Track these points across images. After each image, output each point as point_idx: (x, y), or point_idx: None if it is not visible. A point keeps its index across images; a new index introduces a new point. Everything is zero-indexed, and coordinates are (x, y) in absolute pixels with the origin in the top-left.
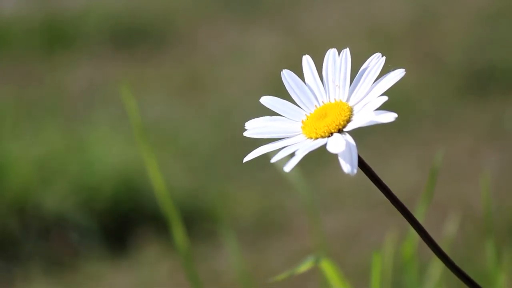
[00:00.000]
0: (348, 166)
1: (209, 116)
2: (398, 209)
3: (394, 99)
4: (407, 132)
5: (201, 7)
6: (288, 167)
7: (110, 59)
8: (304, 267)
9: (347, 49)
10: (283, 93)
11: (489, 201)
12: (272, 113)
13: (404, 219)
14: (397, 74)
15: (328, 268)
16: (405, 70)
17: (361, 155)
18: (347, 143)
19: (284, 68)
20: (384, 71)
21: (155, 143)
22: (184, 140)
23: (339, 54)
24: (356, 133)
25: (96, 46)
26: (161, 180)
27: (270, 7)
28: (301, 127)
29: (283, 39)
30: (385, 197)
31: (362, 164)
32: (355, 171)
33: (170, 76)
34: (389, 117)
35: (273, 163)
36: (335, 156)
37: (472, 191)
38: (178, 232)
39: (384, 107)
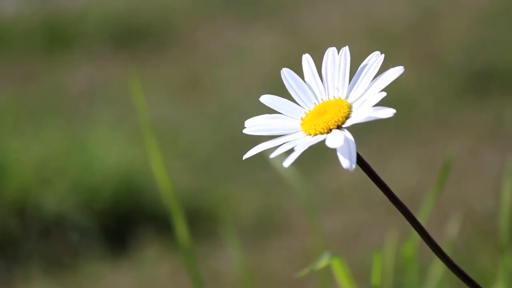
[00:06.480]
0: (346, 162)
1: (209, 116)
2: (398, 208)
3: (394, 99)
4: (407, 132)
5: (201, 7)
6: (287, 163)
7: (110, 59)
8: (322, 263)
9: (346, 47)
10: (283, 93)
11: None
12: (272, 111)
13: (405, 219)
14: (396, 71)
15: (338, 266)
16: (404, 68)
17: (361, 154)
18: (346, 139)
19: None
20: (383, 69)
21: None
22: (184, 140)
23: (338, 53)
24: (356, 133)
25: (96, 46)
26: (166, 176)
27: (270, 7)
28: (301, 124)
29: (283, 39)
30: (385, 197)
31: (361, 163)
32: (353, 166)
33: (170, 76)
34: (388, 112)
35: (274, 163)
36: (335, 156)
37: (472, 191)
38: (181, 227)
39: (384, 106)
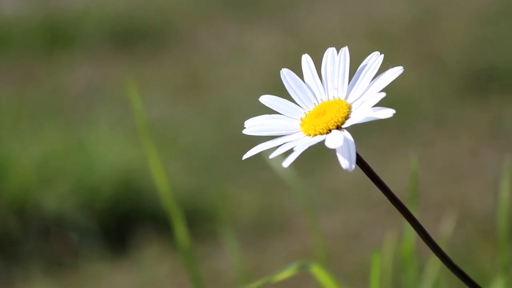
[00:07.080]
0: (346, 162)
1: (209, 116)
2: (397, 207)
3: (394, 99)
4: (407, 132)
5: (200, 7)
6: (286, 163)
7: (110, 59)
8: (284, 274)
9: (346, 47)
10: (282, 93)
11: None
12: (271, 111)
13: (404, 219)
14: (396, 72)
15: (320, 273)
16: (404, 69)
17: (361, 155)
18: (345, 139)
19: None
20: (383, 69)
21: (155, 143)
22: (184, 140)
23: (338, 53)
24: (356, 133)
25: (96, 46)
26: (164, 177)
27: (270, 7)
28: (300, 125)
29: (283, 39)
30: (384, 197)
31: (361, 163)
32: (353, 166)
33: (170, 76)
34: (387, 113)
35: (273, 163)
36: (334, 156)
37: (472, 191)
38: (180, 229)
39: (383, 107)
